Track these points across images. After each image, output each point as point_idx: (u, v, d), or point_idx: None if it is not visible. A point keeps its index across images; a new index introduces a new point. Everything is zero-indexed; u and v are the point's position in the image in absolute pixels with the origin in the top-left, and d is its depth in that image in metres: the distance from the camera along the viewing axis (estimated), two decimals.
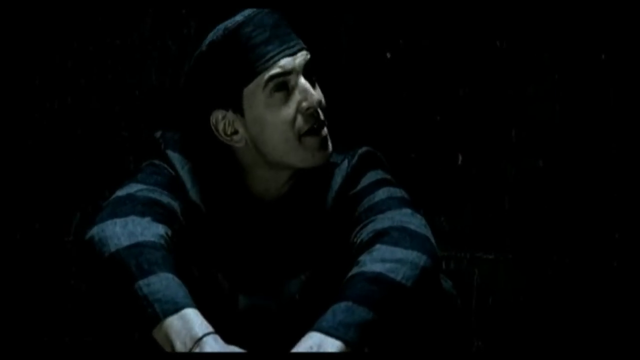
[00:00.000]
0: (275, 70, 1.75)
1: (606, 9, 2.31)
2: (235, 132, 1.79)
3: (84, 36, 2.36)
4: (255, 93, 1.76)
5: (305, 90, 1.76)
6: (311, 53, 1.80)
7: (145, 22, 2.37)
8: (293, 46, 1.78)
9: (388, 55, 2.37)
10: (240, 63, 1.76)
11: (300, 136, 1.77)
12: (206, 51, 1.77)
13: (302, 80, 1.77)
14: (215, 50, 1.77)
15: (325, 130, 1.79)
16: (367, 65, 2.38)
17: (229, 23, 1.77)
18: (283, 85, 1.76)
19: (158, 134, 1.89)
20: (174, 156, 1.85)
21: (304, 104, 1.76)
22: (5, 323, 2.37)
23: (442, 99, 2.38)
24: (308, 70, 1.79)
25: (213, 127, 1.80)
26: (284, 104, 1.76)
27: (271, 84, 1.75)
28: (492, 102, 2.37)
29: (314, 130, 1.77)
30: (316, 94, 1.77)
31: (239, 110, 1.78)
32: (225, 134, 1.80)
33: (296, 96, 1.77)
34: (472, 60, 2.36)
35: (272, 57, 1.76)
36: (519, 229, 2.38)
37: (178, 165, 1.84)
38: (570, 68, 2.34)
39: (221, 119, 1.79)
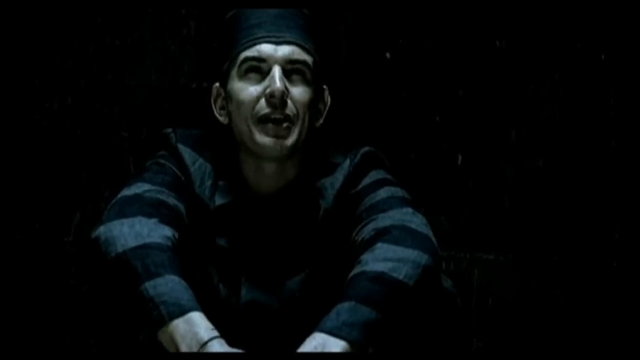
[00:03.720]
0: (250, 53, 1.81)
1: (606, 9, 2.32)
2: (223, 107, 1.88)
3: (84, 36, 2.36)
4: (234, 71, 1.83)
5: (272, 78, 1.79)
6: (312, 56, 1.83)
7: (145, 22, 2.37)
8: (280, 37, 1.80)
9: (388, 55, 2.37)
10: (231, 41, 1.84)
11: (259, 119, 1.79)
12: (219, 27, 1.90)
13: (276, 69, 1.79)
14: (222, 27, 1.88)
15: (286, 125, 1.80)
16: (367, 65, 2.37)
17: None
18: (256, 69, 1.81)
19: (169, 129, 1.90)
20: (185, 151, 1.87)
21: (267, 90, 1.79)
22: (5, 323, 2.36)
23: (442, 99, 2.37)
24: (292, 66, 1.81)
25: (212, 99, 1.89)
26: (252, 85, 1.81)
27: (245, 65, 1.81)
28: (492, 102, 2.37)
29: (272, 118, 1.79)
30: (280, 84, 1.78)
31: (224, 86, 1.86)
32: (219, 108, 1.89)
33: (266, 82, 1.80)
34: (472, 60, 2.36)
35: (253, 40, 1.81)
36: (518, 229, 2.37)
37: (189, 161, 1.86)
38: (570, 68, 2.34)
39: (217, 93, 1.89)
